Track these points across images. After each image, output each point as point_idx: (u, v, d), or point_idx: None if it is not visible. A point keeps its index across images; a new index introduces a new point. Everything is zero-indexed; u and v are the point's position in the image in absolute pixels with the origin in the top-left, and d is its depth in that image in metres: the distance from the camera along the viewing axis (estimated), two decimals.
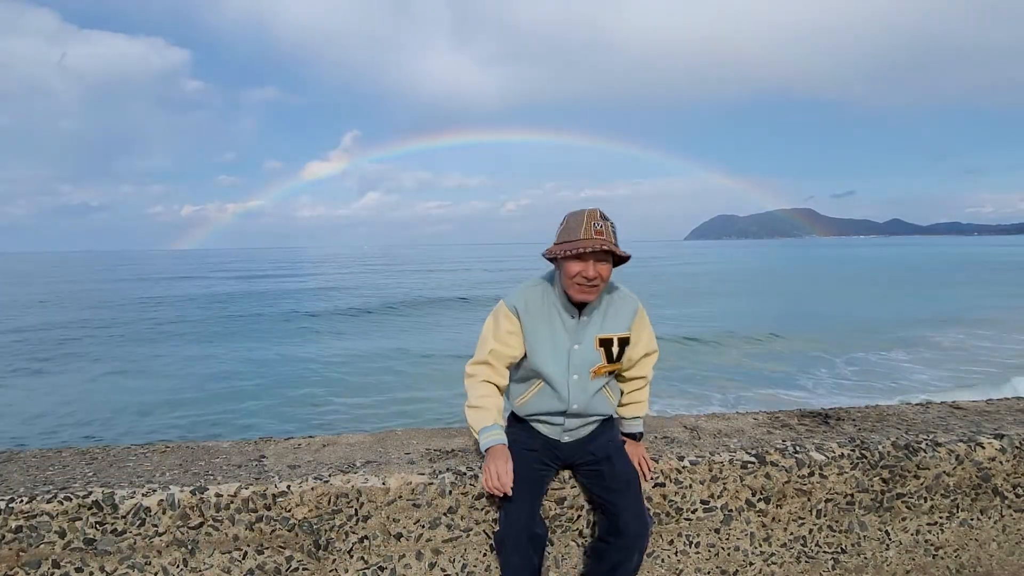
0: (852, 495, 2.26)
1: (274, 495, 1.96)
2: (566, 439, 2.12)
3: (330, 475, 2.04)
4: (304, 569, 1.99)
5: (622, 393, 2.23)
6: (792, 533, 2.25)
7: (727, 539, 2.21)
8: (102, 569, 1.88)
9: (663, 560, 2.19)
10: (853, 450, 2.27)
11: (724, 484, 2.19)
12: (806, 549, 2.26)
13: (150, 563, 1.90)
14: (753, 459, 2.21)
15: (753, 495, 2.21)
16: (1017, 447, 2.36)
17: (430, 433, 2.54)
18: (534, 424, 2.14)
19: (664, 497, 2.17)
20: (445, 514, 2.06)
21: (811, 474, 2.23)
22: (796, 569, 2.25)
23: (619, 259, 2.00)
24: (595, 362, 2.06)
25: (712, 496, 2.19)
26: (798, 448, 2.28)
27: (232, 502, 1.94)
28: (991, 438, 2.37)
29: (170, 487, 1.95)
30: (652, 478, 2.13)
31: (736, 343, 18.88)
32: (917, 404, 2.90)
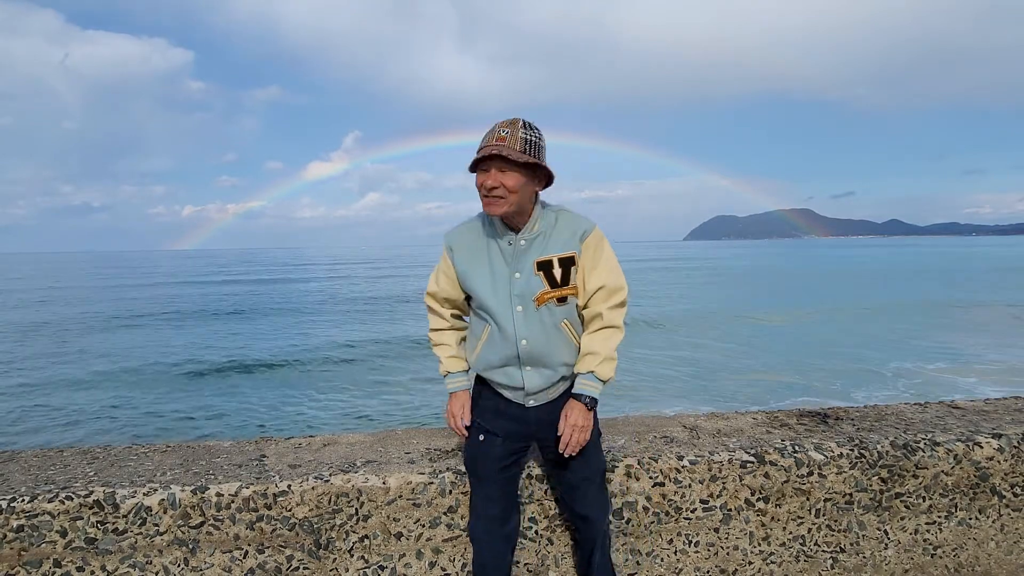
0: (851, 494, 2.27)
1: (275, 494, 1.97)
2: (531, 403, 1.90)
3: (331, 475, 2.05)
4: (305, 568, 2.00)
5: None
6: (791, 532, 2.25)
7: (726, 538, 2.22)
8: (103, 568, 1.89)
9: (663, 559, 2.20)
10: (852, 450, 2.28)
11: (723, 483, 2.20)
12: (805, 548, 2.26)
13: (151, 562, 1.91)
14: (752, 459, 2.22)
15: (752, 494, 2.22)
16: (1015, 447, 2.36)
17: (430, 433, 2.55)
18: (497, 388, 1.94)
19: (663, 496, 2.18)
20: (445, 513, 2.07)
21: (810, 473, 2.23)
22: (795, 568, 2.26)
23: (541, 175, 1.81)
24: (537, 289, 1.83)
25: (711, 495, 2.20)
26: (797, 448, 2.28)
27: (233, 501, 1.94)
28: (989, 437, 2.38)
29: (171, 486, 1.95)
30: (570, 454, 1.85)
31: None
32: (915, 404, 2.91)
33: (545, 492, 2.14)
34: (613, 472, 2.15)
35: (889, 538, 2.31)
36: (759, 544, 2.24)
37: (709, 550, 2.21)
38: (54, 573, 1.87)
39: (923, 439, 2.36)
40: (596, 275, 1.85)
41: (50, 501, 1.87)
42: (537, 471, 2.12)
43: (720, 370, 15.08)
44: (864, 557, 2.29)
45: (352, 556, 2.03)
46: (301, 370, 15.90)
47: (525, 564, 2.14)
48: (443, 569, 2.08)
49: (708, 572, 2.21)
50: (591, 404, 1.85)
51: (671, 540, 2.20)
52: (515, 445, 1.95)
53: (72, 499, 1.87)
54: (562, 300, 1.85)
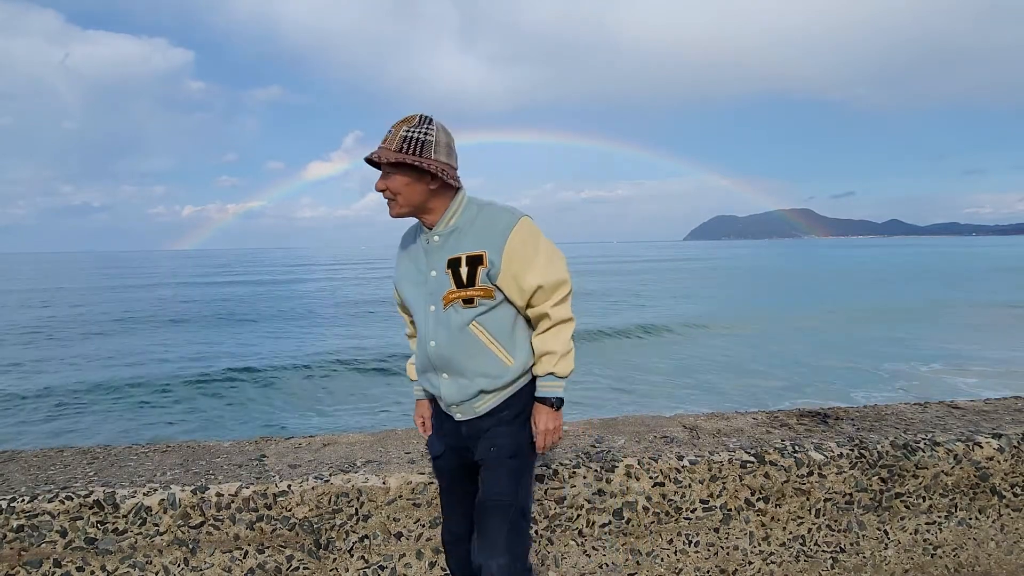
0: (851, 494, 2.27)
1: (275, 494, 1.97)
2: (458, 416, 1.79)
3: (331, 474, 2.05)
4: (305, 568, 1.99)
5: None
6: (791, 532, 2.25)
7: (726, 538, 2.22)
8: (103, 568, 1.89)
9: (663, 559, 2.20)
10: (852, 450, 2.28)
11: (723, 483, 2.20)
12: (805, 548, 2.26)
13: (151, 562, 1.91)
14: (752, 459, 2.22)
15: (752, 494, 2.22)
16: (1015, 447, 2.36)
17: None
18: (435, 402, 1.87)
19: (663, 496, 2.18)
20: None
21: (810, 473, 2.23)
22: (795, 568, 2.26)
23: (434, 173, 1.66)
24: (446, 288, 1.73)
25: (711, 495, 2.20)
26: (797, 448, 2.28)
27: (233, 501, 1.94)
28: (989, 437, 2.38)
29: (171, 486, 1.95)
30: (541, 453, 1.81)
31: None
32: (915, 404, 2.91)
33: (545, 492, 2.14)
34: (613, 472, 2.15)
35: (889, 538, 2.31)
36: (759, 544, 2.24)
37: (709, 550, 2.21)
38: (54, 573, 1.87)
39: (923, 439, 2.36)
40: (531, 274, 1.71)
41: (50, 501, 1.87)
42: (537, 471, 2.12)
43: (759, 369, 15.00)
44: (864, 557, 2.29)
45: (352, 556, 2.03)
46: (303, 371, 15.89)
47: None
48: (443, 569, 2.07)
49: (708, 572, 2.21)
50: (558, 404, 1.78)
51: (671, 540, 2.20)
52: (463, 459, 1.84)
53: (72, 499, 1.87)
54: (469, 302, 1.72)
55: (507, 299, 1.75)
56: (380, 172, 1.72)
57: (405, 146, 1.66)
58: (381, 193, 1.73)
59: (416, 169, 1.67)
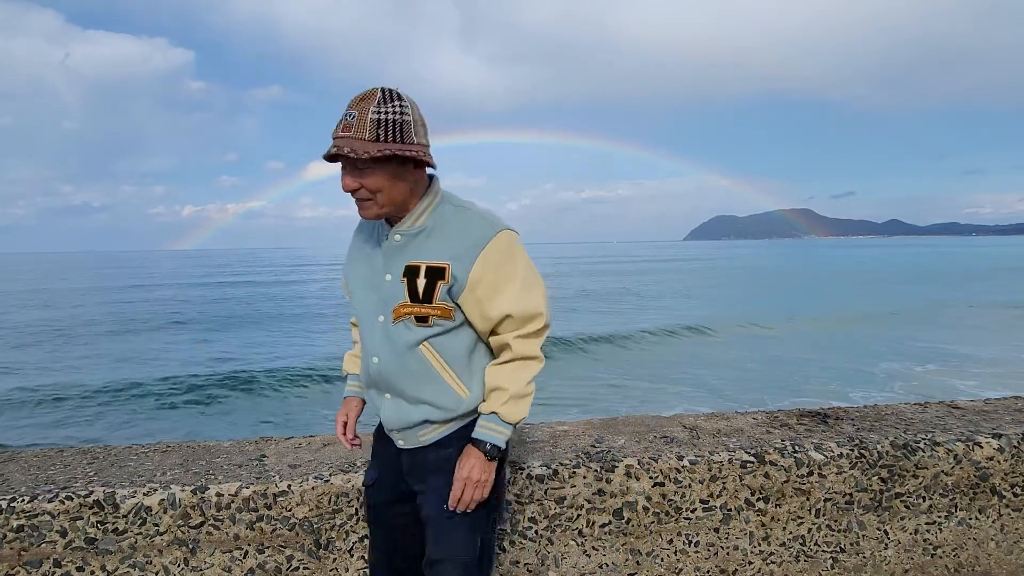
0: (851, 494, 2.27)
1: (275, 494, 1.97)
2: (400, 443, 1.57)
3: (331, 474, 2.05)
4: (305, 568, 2.00)
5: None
6: (791, 532, 2.25)
7: (726, 538, 2.22)
8: (103, 568, 1.89)
9: (663, 559, 2.20)
10: (852, 450, 2.28)
11: (723, 483, 2.20)
12: (805, 548, 2.26)
13: (151, 562, 1.91)
14: (752, 459, 2.22)
15: (752, 494, 2.22)
16: (1015, 447, 2.37)
17: None
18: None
19: (663, 496, 2.18)
20: None
21: (810, 473, 2.23)
22: (795, 568, 2.26)
23: (416, 160, 1.39)
24: (399, 299, 1.46)
25: (711, 495, 2.20)
26: (797, 448, 2.28)
27: (233, 501, 1.94)
28: (989, 437, 2.38)
29: (171, 486, 1.95)
30: (456, 510, 1.49)
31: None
32: (915, 404, 2.91)
33: (545, 492, 2.14)
34: (613, 472, 2.15)
35: (889, 538, 2.31)
36: (759, 544, 2.24)
37: (709, 550, 2.21)
38: (54, 573, 1.87)
39: (923, 439, 2.36)
40: (500, 300, 1.43)
41: (50, 501, 1.87)
42: (537, 471, 2.12)
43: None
44: (864, 557, 2.29)
45: (352, 556, 2.03)
46: (303, 371, 15.89)
47: (525, 564, 2.14)
48: None
49: (708, 572, 2.21)
50: (493, 453, 1.46)
51: (671, 540, 2.20)
52: (399, 492, 1.61)
53: (72, 499, 1.87)
54: (423, 319, 1.45)
55: (468, 322, 1.49)
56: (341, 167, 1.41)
57: (383, 132, 1.34)
58: (351, 194, 1.42)
59: (399, 160, 1.37)
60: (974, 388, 12.37)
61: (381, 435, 1.67)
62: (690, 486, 2.18)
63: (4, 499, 1.87)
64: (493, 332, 1.50)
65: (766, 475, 2.21)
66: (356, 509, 2.01)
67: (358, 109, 1.35)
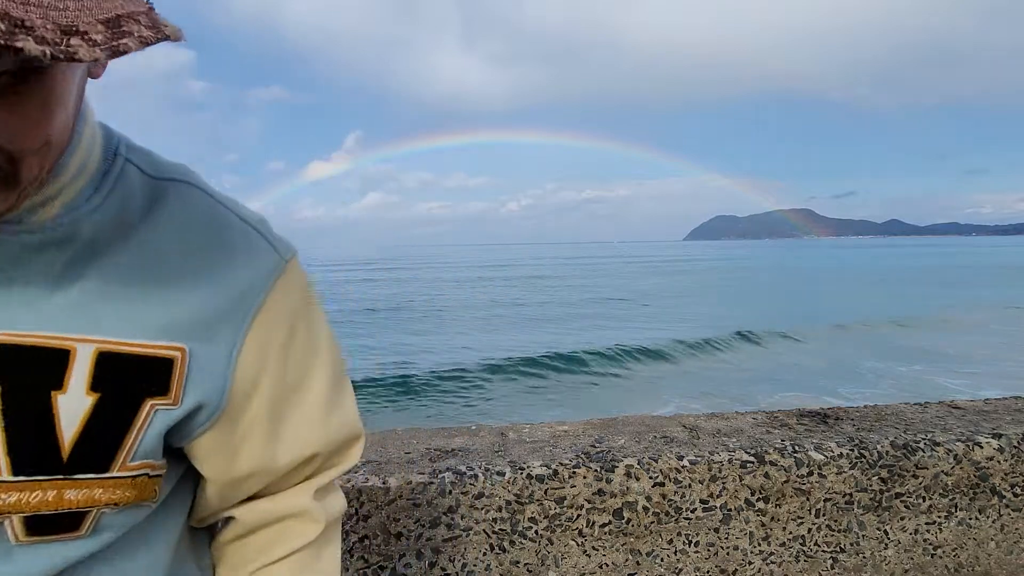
0: (851, 494, 2.27)
1: None
2: None
3: None
4: None
5: None
6: (791, 532, 2.25)
7: (726, 538, 2.22)
8: None
9: (662, 559, 2.20)
10: (852, 450, 2.28)
11: (723, 484, 2.20)
12: (805, 548, 2.26)
13: None
14: (752, 459, 2.22)
15: (752, 495, 2.22)
16: (1015, 447, 2.37)
17: (430, 432, 2.55)
18: None
19: (663, 496, 2.18)
20: (445, 513, 2.07)
21: (810, 474, 2.23)
22: (795, 568, 2.26)
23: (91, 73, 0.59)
24: None
25: (711, 495, 2.20)
26: (797, 448, 2.28)
27: None
28: (989, 437, 2.38)
29: None
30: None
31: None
32: (915, 404, 2.91)
33: (545, 492, 2.14)
34: (613, 472, 2.15)
35: (889, 538, 2.31)
36: (759, 544, 2.24)
37: (709, 550, 2.21)
38: None
39: (923, 439, 2.36)
40: (305, 420, 0.69)
41: None
42: (537, 471, 2.12)
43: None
44: (864, 557, 2.29)
45: (352, 556, 2.03)
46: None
47: (525, 564, 2.14)
48: (443, 569, 2.08)
49: (708, 572, 2.21)
50: None
51: (671, 540, 2.20)
52: None
53: None
54: (73, 522, 0.55)
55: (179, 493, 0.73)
56: None
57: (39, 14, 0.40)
58: None
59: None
60: (975, 388, 12.39)
61: None
62: (690, 486, 2.18)
63: None
64: (265, 492, 0.78)
65: (766, 475, 2.21)
66: (356, 509, 2.01)
67: None
